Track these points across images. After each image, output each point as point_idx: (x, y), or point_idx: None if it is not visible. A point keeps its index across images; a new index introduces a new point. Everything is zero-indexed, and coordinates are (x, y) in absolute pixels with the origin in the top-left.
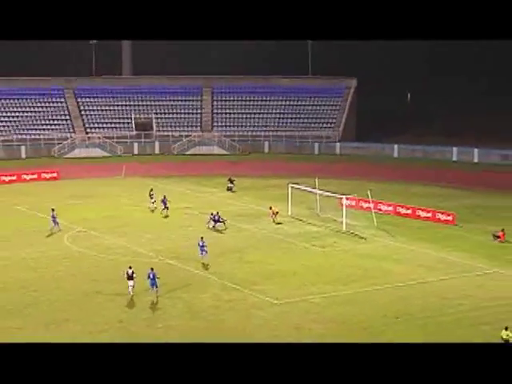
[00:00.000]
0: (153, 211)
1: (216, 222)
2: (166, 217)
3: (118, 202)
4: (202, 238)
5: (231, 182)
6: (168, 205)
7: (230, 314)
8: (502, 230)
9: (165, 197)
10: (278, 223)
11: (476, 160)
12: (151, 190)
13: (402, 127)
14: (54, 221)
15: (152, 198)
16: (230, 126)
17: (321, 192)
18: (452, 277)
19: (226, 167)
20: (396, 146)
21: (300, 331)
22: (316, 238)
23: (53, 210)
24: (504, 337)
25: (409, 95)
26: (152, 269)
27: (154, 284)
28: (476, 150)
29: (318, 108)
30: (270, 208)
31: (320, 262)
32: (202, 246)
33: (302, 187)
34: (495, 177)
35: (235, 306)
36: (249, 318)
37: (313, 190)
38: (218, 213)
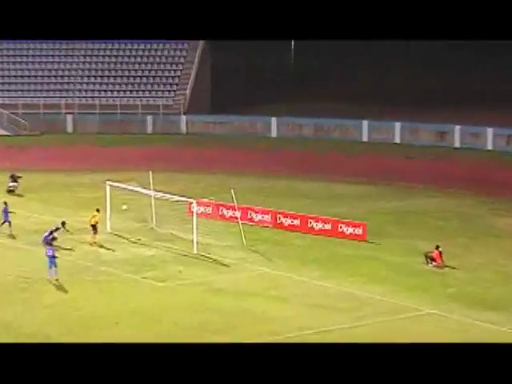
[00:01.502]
0: None
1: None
2: (12, 236)
3: None
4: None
5: (14, 179)
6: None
7: None
8: (437, 248)
9: (6, 204)
10: (95, 243)
11: (398, 140)
12: None
13: (283, 93)
14: None
15: None
16: (9, 91)
17: (158, 194)
18: (364, 323)
19: (6, 156)
20: (274, 121)
21: None
22: (151, 265)
23: None
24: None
25: (293, 46)
26: None
27: None
28: (397, 125)
29: (153, 61)
30: (98, 210)
31: (158, 303)
32: (53, 257)
33: (128, 186)
34: (428, 166)
35: None
36: None
37: (145, 191)
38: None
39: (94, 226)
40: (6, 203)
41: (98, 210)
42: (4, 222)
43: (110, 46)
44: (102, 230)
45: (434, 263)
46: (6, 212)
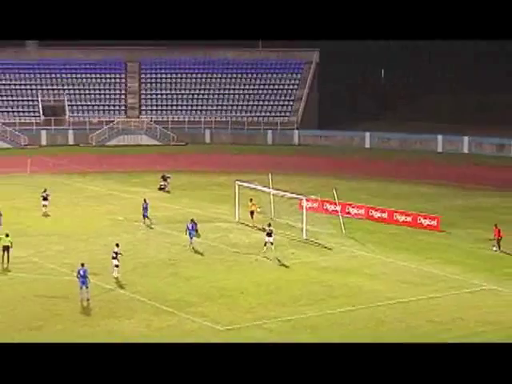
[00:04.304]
0: (46, 216)
1: None
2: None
3: (20, 205)
4: (192, 219)
5: (164, 179)
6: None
7: None
8: (496, 226)
9: (145, 201)
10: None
11: (466, 151)
12: (45, 190)
13: (376, 112)
14: None
15: (46, 199)
16: (162, 110)
17: (276, 191)
18: (438, 295)
19: (158, 161)
20: (368, 135)
21: None
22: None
23: None
24: None
25: (383, 71)
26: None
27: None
28: (466, 139)
29: (272, 87)
30: (251, 200)
31: (274, 277)
32: (192, 229)
33: (252, 185)
34: (490, 172)
35: (169, 334)
36: None
37: (265, 190)
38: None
39: (251, 212)
40: (145, 200)
41: (251, 200)
42: (144, 216)
43: (234, 79)
44: (231, 219)
45: (494, 238)
46: (145, 208)
